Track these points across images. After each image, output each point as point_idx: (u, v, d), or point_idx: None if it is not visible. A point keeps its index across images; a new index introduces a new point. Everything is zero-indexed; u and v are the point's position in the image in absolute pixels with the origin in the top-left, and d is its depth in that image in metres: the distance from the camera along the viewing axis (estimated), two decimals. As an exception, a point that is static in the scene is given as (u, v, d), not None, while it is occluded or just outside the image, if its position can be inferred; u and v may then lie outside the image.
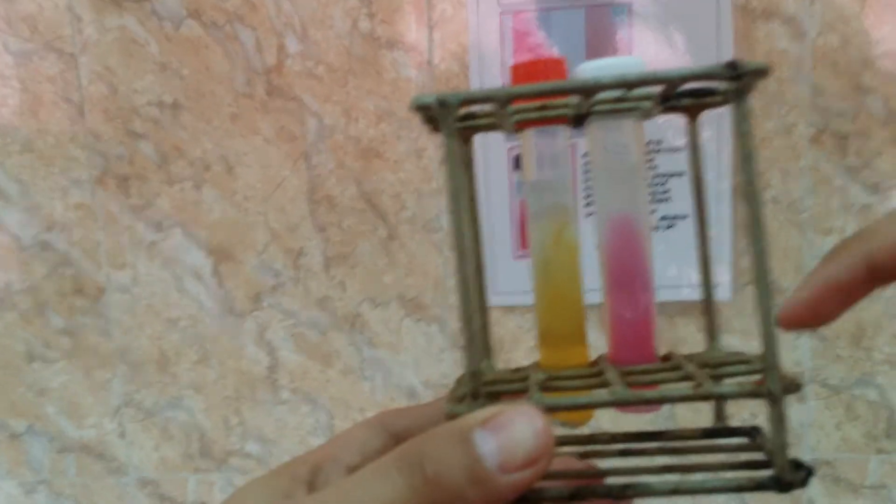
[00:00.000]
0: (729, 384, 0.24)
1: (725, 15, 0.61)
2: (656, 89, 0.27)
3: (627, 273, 0.29)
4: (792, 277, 0.65)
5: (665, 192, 0.64)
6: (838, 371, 0.66)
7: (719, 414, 0.30)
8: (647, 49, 0.62)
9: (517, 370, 0.29)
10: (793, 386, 0.24)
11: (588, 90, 0.25)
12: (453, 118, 0.24)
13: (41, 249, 0.71)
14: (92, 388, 0.73)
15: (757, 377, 0.25)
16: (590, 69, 0.28)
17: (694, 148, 0.30)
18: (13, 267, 0.71)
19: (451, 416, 0.24)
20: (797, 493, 0.68)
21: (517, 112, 0.28)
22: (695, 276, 0.66)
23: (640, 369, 0.28)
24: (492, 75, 0.64)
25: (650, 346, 0.30)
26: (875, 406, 0.66)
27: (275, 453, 0.72)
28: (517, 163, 0.65)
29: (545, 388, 0.26)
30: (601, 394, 0.25)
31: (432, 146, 0.66)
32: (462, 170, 0.26)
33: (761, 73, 0.23)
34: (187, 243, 0.70)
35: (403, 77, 0.65)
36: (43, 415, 0.74)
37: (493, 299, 0.68)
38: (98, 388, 0.73)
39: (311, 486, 0.26)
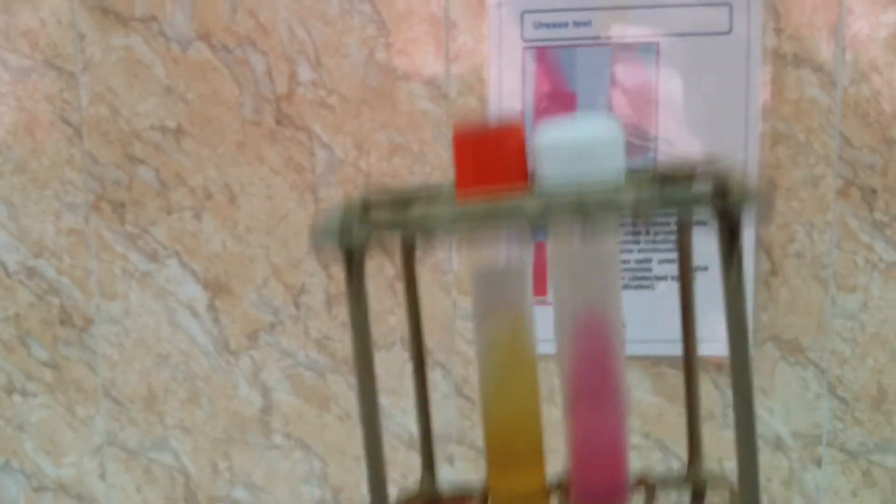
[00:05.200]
0: None
1: (755, 59, 0.60)
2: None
3: (595, 382, 0.24)
4: (813, 335, 0.63)
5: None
6: (857, 435, 0.64)
7: None
8: (674, 91, 0.60)
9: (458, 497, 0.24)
10: None
11: (503, 218, 0.19)
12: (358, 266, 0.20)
13: (27, 277, 0.67)
14: (73, 425, 0.69)
15: None
16: (548, 138, 0.23)
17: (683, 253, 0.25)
18: (-4, 293, 0.68)
19: None
20: (814, 561, 0.65)
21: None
22: (714, 331, 0.63)
23: None
24: (511, 111, 0.62)
25: (620, 472, 0.25)
26: (893, 473, 0.64)
27: (264, 501, 0.68)
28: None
29: None
30: None
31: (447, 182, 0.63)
32: (367, 311, 0.21)
33: (757, 203, 0.17)
34: (183, 275, 0.66)
35: (420, 110, 0.63)
36: (20, 451, 0.69)
37: None
38: (80, 424, 0.69)
39: None
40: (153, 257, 0.66)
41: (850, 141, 0.60)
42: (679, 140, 0.61)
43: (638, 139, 0.61)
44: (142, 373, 0.68)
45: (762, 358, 0.63)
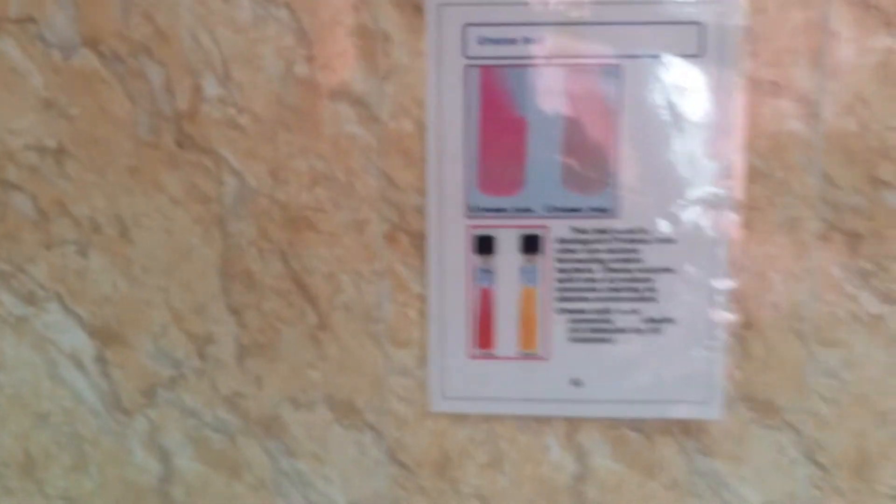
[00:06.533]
0: None
1: (729, 86, 0.53)
2: None
3: None
4: (790, 394, 0.57)
5: (650, 290, 0.55)
6: (837, 505, 0.58)
7: None
8: (637, 119, 0.53)
9: None
10: None
11: None
12: None
13: None
14: (-66, 494, 0.60)
15: None
16: None
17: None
18: None
19: None
20: None
21: None
22: (681, 390, 0.56)
23: None
24: (452, 138, 0.54)
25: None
26: (876, 545, 0.58)
27: (162, 583, 0.60)
28: (479, 244, 0.55)
29: None
30: None
31: (377, 218, 0.55)
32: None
33: None
34: (66, 321, 0.59)
35: (346, 134, 0.55)
36: None
37: (442, 405, 0.57)
38: (-58, 493, 0.60)
39: None
40: (30, 300, 0.59)
41: (834, 180, 0.55)
42: (642, 175, 0.54)
43: (595, 173, 0.54)
44: (18, 434, 0.60)
45: (733, 420, 0.57)
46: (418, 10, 0.54)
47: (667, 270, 0.55)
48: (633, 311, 0.56)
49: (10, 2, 0.55)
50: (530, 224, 0.55)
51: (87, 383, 0.59)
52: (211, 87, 0.55)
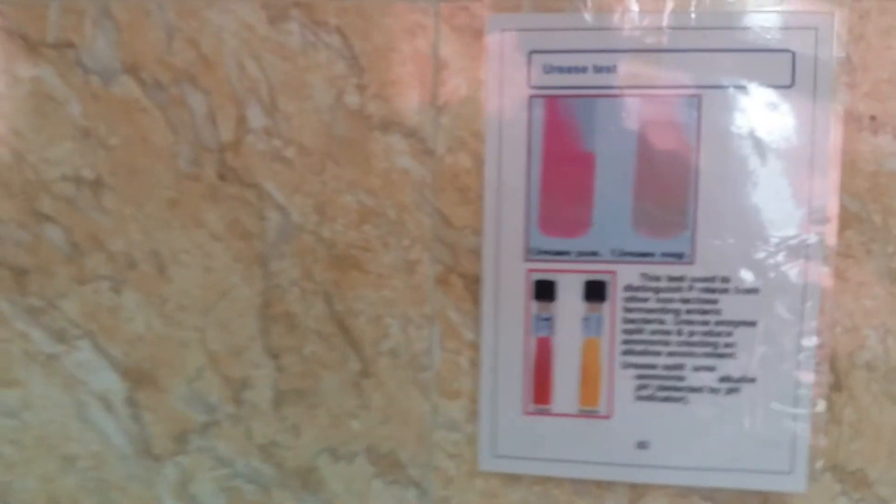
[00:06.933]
0: None
1: (823, 120, 0.47)
2: None
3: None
4: (884, 465, 0.51)
5: (729, 345, 0.49)
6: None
7: None
8: (719, 155, 0.48)
9: None
10: None
11: None
12: None
13: None
14: (-43, 538, 0.57)
15: None
16: None
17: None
18: None
19: None
20: None
21: None
22: (761, 458, 0.50)
23: None
24: (513, 174, 0.49)
25: None
26: None
27: None
28: (539, 290, 0.50)
29: None
30: None
31: (429, 259, 0.51)
32: None
33: None
34: (97, 360, 0.55)
35: (398, 168, 0.51)
36: None
37: (493, 463, 0.53)
38: (-34, 537, 0.57)
39: None
40: (61, 337, 0.56)
41: (940, 226, 0.49)
42: (722, 218, 0.49)
43: (670, 215, 0.49)
44: (43, 478, 0.57)
45: (819, 492, 0.52)
46: (479, 35, 0.50)
47: (748, 324, 0.50)
48: (709, 369, 0.50)
49: (49, 26, 0.53)
50: (596, 269, 0.50)
51: (116, 427, 0.56)
52: (256, 118, 0.52)
